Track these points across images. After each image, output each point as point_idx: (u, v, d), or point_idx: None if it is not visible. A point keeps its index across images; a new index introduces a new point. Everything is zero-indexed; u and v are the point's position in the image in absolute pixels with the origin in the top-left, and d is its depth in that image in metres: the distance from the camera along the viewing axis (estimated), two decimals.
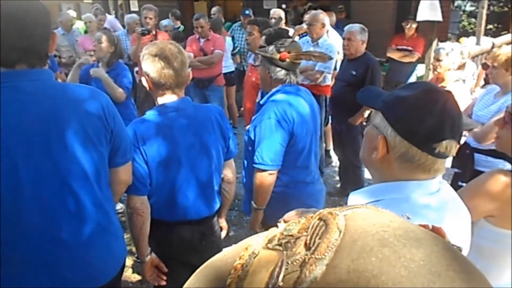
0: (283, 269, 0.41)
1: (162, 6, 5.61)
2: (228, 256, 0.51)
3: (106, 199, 1.48)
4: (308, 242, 0.42)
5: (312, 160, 2.24)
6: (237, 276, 0.44)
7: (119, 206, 3.59)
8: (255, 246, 0.46)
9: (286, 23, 5.63)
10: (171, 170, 1.75)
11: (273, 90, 2.13)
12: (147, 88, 1.80)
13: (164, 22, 6.04)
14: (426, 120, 0.89)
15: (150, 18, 5.28)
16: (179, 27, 6.31)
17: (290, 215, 1.10)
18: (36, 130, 1.27)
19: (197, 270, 0.54)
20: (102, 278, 1.49)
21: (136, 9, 9.35)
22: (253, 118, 2.18)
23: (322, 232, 0.43)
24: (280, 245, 0.44)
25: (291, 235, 0.45)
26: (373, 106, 0.99)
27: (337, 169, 4.63)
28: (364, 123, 3.99)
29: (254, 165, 2.05)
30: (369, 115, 4.06)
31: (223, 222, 2.11)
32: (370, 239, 0.40)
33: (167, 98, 1.76)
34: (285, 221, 1.08)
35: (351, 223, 0.43)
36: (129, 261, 2.87)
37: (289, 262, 0.41)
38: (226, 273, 0.46)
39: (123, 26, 6.64)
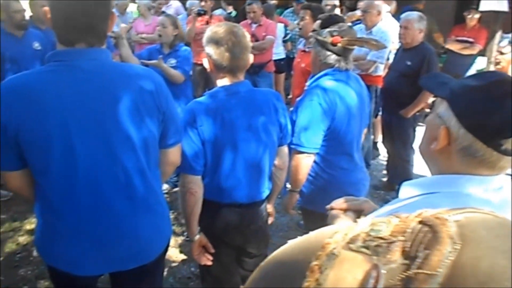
0: (381, 281, 0.34)
1: None
2: (298, 252, 0.44)
3: (154, 178, 1.50)
4: (408, 250, 0.36)
5: (354, 148, 2.19)
6: (315, 280, 0.37)
7: (165, 187, 3.70)
8: (333, 244, 0.39)
9: (341, 11, 5.48)
10: (226, 151, 1.76)
11: (321, 73, 2.10)
12: (208, 69, 1.82)
13: (217, 12, 6.07)
14: (495, 113, 0.82)
15: (206, 1, 5.31)
16: (230, 13, 6.32)
17: (338, 202, 1.08)
18: (91, 107, 1.30)
19: (261, 266, 0.47)
20: (147, 256, 1.52)
21: None
22: (297, 100, 2.16)
23: (429, 241, 0.36)
24: (367, 247, 0.37)
25: (382, 238, 0.38)
26: (439, 94, 0.94)
27: (384, 162, 4.50)
28: (418, 114, 3.83)
29: (291, 146, 2.03)
30: (422, 108, 3.90)
31: (271, 208, 2.10)
32: (501, 258, 0.33)
33: (227, 81, 1.77)
34: (332, 208, 1.07)
35: (469, 234, 0.36)
36: (172, 241, 2.96)
37: (384, 271, 0.35)
38: (298, 274, 0.39)
39: None
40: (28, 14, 3.91)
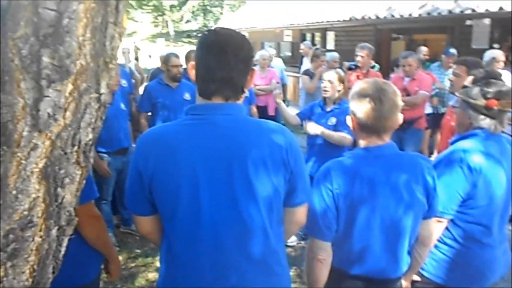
0: None
1: (358, 43, 5.57)
2: None
3: (276, 237, 1.43)
4: None
5: (496, 221, 1.87)
6: None
7: (291, 239, 3.58)
8: None
9: (505, 63, 4.88)
10: (361, 214, 1.61)
11: (467, 133, 1.88)
12: (351, 127, 1.71)
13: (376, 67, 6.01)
14: None
15: (362, 56, 5.22)
16: (373, 66, 6.15)
17: None
18: (220, 161, 1.31)
19: None
20: None
21: (332, 47, 9.65)
22: (436, 156, 1.95)
23: None
24: None
25: None
26: None
27: None
28: None
29: None
30: None
31: (406, 286, 1.84)
32: None
33: (371, 142, 1.65)
34: None
35: None
36: None
37: None
38: None
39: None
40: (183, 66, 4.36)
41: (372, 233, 1.61)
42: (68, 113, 0.97)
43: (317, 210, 1.59)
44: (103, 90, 1.06)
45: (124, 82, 4.37)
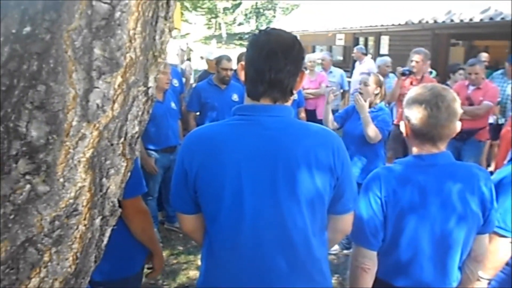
0: None
1: (413, 48, 5.37)
2: None
3: (318, 244, 1.40)
4: None
5: None
6: None
7: (334, 247, 3.51)
8: None
9: None
10: (410, 227, 1.54)
11: None
12: (404, 134, 1.65)
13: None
14: None
15: (417, 62, 5.03)
16: (431, 72, 5.91)
17: None
18: (265, 163, 1.31)
19: None
20: None
21: (386, 52, 9.39)
22: (497, 171, 1.85)
23: None
24: None
25: None
26: None
27: None
28: None
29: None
30: None
31: None
32: None
33: (425, 150, 1.57)
34: None
35: None
36: None
37: None
38: None
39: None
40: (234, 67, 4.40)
41: (420, 245, 1.54)
42: (116, 105, 0.98)
43: (363, 217, 1.54)
44: (151, 83, 1.07)
45: (175, 82, 4.48)
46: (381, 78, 3.68)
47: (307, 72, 5.70)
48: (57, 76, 0.90)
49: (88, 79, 0.92)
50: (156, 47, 1.04)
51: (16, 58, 0.90)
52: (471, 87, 4.65)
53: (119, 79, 0.96)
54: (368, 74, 3.75)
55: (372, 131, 3.30)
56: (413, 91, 1.59)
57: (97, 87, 0.94)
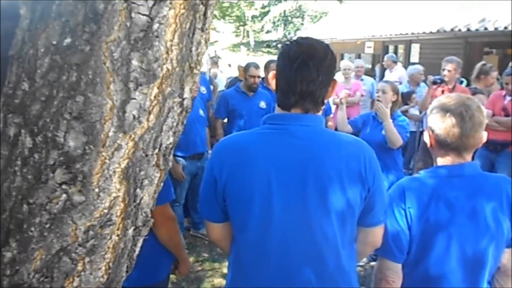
0: None
1: (445, 57, 5.25)
2: None
3: (348, 256, 1.37)
4: None
5: None
6: None
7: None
8: None
9: None
10: (437, 239, 1.49)
11: None
12: (428, 145, 1.60)
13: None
14: None
15: (449, 71, 4.93)
16: (462, 82, 5.76)
17: None
18: (295, 172, 1.29)
19: None
20: None
21: (417, 60, 9.23)
22: None
23: None
24: None
25: None
26: None
27: None
28: None
29: None
30: None
31: None
32: None
33: (450, 160, 1.53)
34: None
35: None
36: None
37: None
38: None
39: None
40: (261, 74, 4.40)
41: (449, 262, 1.49)
42: (152, 116, 0.98)
43: (388, 229, 1.50)
44: (186, 95, 1.07)
45: (203, 89, 4.52)
46: (397, 86, 3.77)
47: (342, 80, 5.64)
48: (95, 87, 0.91)
49: (125, 90, 0.93)
50: (192, 59, 1.03)
51: (56, 69, 0.91)
52: (508, 98, 4.50)
53: (156, 90, 0.96)
54: (386, 82, 3.83)
55: (396, 136, 3.34)
56: (436, 101, 1.56)
57: (134, 98, 0.94)
